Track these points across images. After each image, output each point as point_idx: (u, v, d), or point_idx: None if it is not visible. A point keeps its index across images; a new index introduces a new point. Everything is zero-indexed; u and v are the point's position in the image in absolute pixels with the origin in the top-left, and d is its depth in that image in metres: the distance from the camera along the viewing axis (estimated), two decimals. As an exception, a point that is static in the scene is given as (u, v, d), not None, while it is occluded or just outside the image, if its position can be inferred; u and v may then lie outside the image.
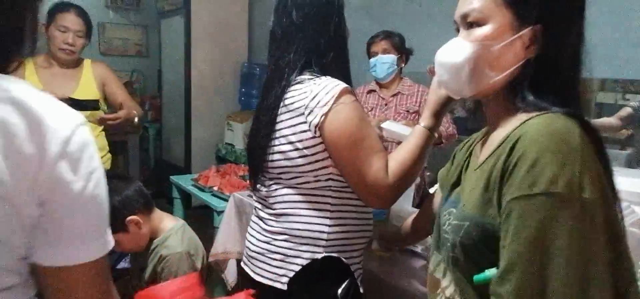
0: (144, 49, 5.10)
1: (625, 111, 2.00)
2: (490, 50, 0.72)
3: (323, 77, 1.09)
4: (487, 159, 0.73)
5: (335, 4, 1.15)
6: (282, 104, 1.11)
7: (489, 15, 0.72)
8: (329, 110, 1.04)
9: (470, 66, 0.73)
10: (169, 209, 2.82)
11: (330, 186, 1.12)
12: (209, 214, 2.44)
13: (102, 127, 2.12)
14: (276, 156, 1.13)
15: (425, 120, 1.10)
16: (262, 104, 1.19)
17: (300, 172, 1.11)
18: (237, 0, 4.12)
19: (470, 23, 0.74)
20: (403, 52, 2.26)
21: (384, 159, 1.07)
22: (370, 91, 2.35)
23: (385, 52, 2.21)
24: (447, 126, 2.17)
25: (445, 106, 1.10)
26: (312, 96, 1.06)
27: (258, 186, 1.23)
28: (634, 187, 1.13)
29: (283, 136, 1.11)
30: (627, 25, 1.94)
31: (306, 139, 1.08)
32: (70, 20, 1.95)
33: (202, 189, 2.45)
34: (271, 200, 1.19)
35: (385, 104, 2.27)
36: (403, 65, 2.28)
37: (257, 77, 3.91)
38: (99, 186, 0.59)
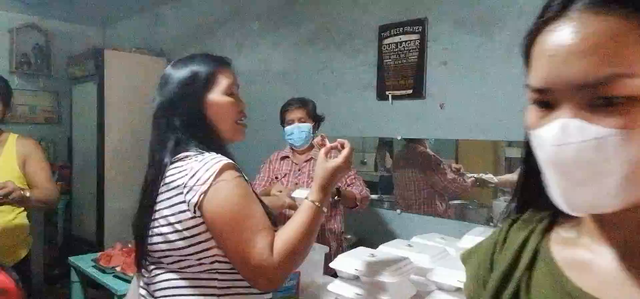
0: (54, 116, 4.80)
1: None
2: None
3: (206, 154, 1.05)
4: None
5: (200, 82, 1.13)
6: (162, 182, 1.06)
7: None
8: (209, 188, 0.99)
9: (624, 171, 0.43)
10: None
11: (217, 269, 1.05)
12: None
13: (22, 208, 1.99)
14: (156, 239, 1.06)
15: (312, 194, 1.07)
16: (143, 183, 1.13)
17: (181, 255, 1.04)
18: (155, 66, 4.02)
19: (607, 98, 0.43)
20: (316, 119, 2.29)
21: (270, 237, 1.02)
22: (283, 157, 2.34)
23: (301, 120, 2.23)
24: (360, 189, 2.18)
25: (333, 178, 1.08)
26: (192, 174, 1.01)
27: (142, 271, 1.13)
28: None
29: (163, 217, 1.05)
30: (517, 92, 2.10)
31: (185, 220, 1.01)
32: None
33: (103, 271, 2.24)
34: (152, 287, 1.09)
35: (299, 170, 2.26)
36: (316, 132, 2.30)
37: (176, 144, 3.77)
38: None
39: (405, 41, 2.47)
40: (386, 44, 2.56)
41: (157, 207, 1.06)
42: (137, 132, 3.90)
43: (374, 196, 2.67)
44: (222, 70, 1.17)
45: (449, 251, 1.32)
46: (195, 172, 1.01)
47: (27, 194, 1.83)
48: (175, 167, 1.05)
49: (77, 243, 4.08)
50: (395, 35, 2.51)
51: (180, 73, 1.14)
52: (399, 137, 2.54)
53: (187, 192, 1.01)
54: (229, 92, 1.16)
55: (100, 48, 3.86)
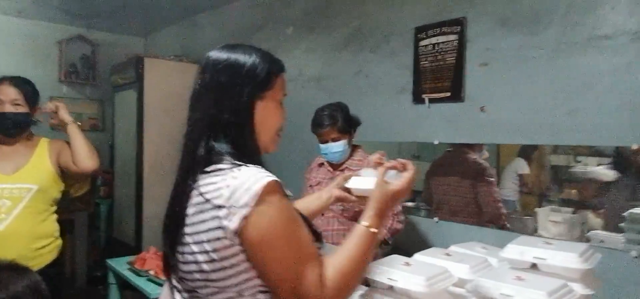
0: (99, 123, 4.99)
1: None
2: None
3: (243, 168, 0.89)
4: None
5: (257, 78, 0.97)
6: (190, 199, 0.91)
7: None
8: (250, 212, 0.84)
9: None
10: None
11: None
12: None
13: (52, 210, 1.98)
14: (190, 267, 0.91)
15: (368, 219, 0.94)
16: (174, 192, 0.98)
17: (219, 287, 0.90)
18: (192, 73, 4.08)
19: None
20: (350, 129, 2.18)
21: (319, 267, 0.88)
22: (320, 164, 2.29)
23: (334, 140, 2.12)
24: (391, 222, 2.05)
25: (392, 204, 0.96)
26: (229, 194, 0.86)
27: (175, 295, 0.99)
28: (570, 263, 1.06)
29: (196, 243, 0.89)
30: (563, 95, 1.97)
31: (222, 249, 0.87)
32: (3, 91, 1.87)
33: (137, 274, 2.26)
34: None
35: (331, 178, 2.20)
36: (352, 139, 2.21)
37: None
38: None
39: (443, 42, 2.37)
40: (422, 46, 2.47)
41: (188, 229, 0.90)
42: (174, 137, 3.97)
43: (410, 204, 2.57)
44: (280, 75, 1.02)
45: (491, 261, 1.23)
46: (233, 191, 0.86)
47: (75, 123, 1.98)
48: (208, 183, 0.89)
49: (117, 246, 4.20)
50: (432, 36, 2.43)
51: (233, 59, 0.98)
52: (437, 142, 2.45)
53: (225, 216, 0.86)
54: (280, 102, 1.03)
55: (141, 56, 3.97)
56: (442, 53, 2.38)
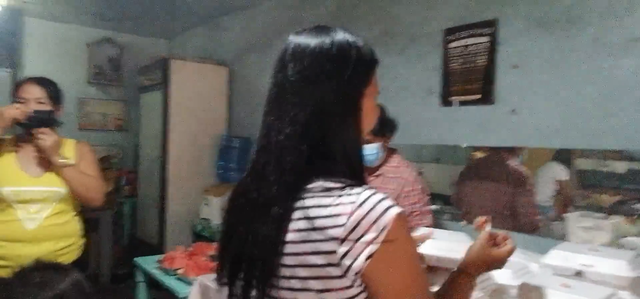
0: (124, 123, 5.07)
1: None
2: None
3: (360, 190, 0.73)
4: None
5: (349, 56, 0.80)
6: (295, 219, 0.74)
7: None
8: (377, 251, 0.69)
9: None
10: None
11: None
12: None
13: (78, 210, 2.00)
14: None
15: (475, 272, 0.92)
16: (268, 210, 0.76)
17: None
18: (217, 74, 4.14)
19: None
20: (386, 132, 2.09)
21: None
22: None
23: (368, 142, 2.02)
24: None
25: (487, 268, 0.96)
26: (352, 225, 0.70)
27: None
28: (619, 271, 1.02)
29: (299, 278, 0.73)
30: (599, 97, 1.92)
31: (337, 290, 0.71)
32: (28, 89, 1.89)
33: (166, 273, 2.28)
34: None
35: None
36: (388, 143, 2.12)
37: (236, 150, 3.85)
38: None
39: (474, 44, 2.34)
40: (452, 48, 2.44)
41: (289, 260, 0.74)
42: (196, 138, 4.02)
43: (433, 207, 2.53)
44: (376, 69, 0.86)
45: (531, 267, 1.20)
46: (355, 222, 0.70)
47: (70, 162, 1.86)
48: (316, 205, 0.73)
49: (140, 245, 4.25)
50: (462, 38, 2.40)
51: (337, 42, 0.80)
52: (464, 146, 2.41)
53: (344, 253, 0.70)
54: (375, 100, 0.87)
55: (167, 58, 4.02)
56: (472, 55, 2.35)
